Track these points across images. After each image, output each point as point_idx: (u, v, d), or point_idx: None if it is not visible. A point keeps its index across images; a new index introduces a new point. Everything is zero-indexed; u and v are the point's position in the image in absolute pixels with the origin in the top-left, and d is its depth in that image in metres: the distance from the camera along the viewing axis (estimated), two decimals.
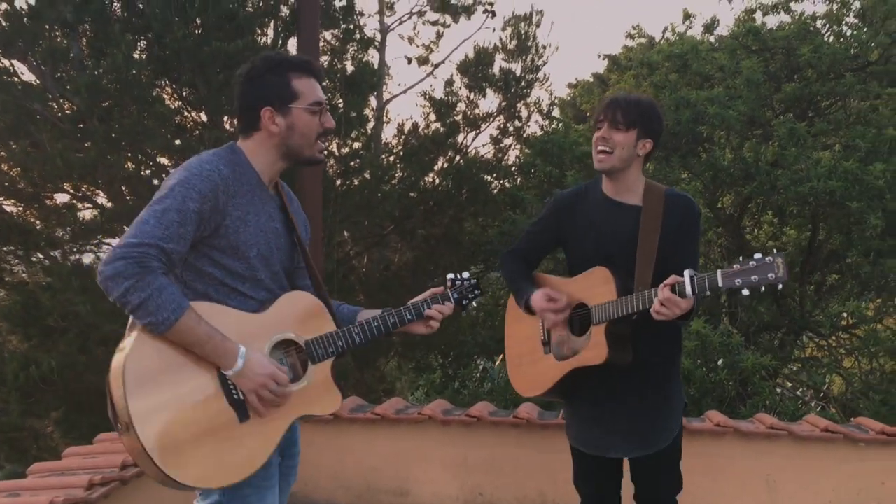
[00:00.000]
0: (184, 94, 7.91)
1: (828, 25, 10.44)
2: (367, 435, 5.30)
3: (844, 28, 10.44)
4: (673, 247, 2.90)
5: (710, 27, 10.90)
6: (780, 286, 2.54)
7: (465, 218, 10.55)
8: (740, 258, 2.63)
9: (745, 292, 2.56)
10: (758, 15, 10.83)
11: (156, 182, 8.70)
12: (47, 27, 7.25)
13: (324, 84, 2.50)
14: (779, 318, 10.34)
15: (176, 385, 2.14)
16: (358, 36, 11.11)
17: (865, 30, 9.53)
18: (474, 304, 2.84)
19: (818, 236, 9.97)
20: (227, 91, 7.31)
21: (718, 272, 2.60)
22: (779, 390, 8.48)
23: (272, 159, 2.38)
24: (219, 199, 2.22)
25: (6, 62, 7.40)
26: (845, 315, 10.18)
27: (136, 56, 7.06)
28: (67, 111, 7.39)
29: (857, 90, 9.69)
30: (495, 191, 10.86)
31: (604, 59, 13.41)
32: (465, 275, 2.83)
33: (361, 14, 11.98)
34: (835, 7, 10.29)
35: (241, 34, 7.11)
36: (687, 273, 2.65)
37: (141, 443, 2.06)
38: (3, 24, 7.43)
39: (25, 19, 7.00)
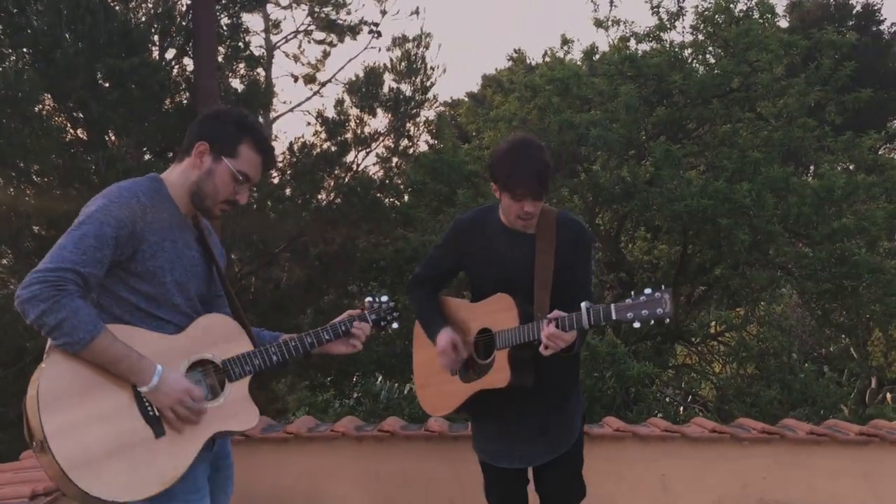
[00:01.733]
0: (73, 111, 7.62)
1: (694, 54, 11.23)
2: (279, 454, 5.26)
3: (709, 57, 11.27)
4: (568, 271, 3.07)
5: (589, 53, 11.49)
6: (668, 320, 2.74)
7: (358, 236, 10.62)
8: (632, 292, 2.83)
9: (636, 325, 2.74)
10: (631, 42, 11.49)
11: (34, 203, 8.35)
12: None
13: (266, 173, 2.61)
14: (653, 328, 10.98)
15: (91, 403, 2.19)
16: (246, 53, 11.01)
17: (727, 59, 10.31)
18: (394, 326, 2.93)
19: (688, 251, 10.67)
20: (121, 109, 7.12)
21: (612, 306, 2.78)
22: (659, 396, 9.03)
23: (185, 193, 2.47)
24: (136, 224, 2.30)
25: None
26: (713, 324, 10.95)
27: (25, 73, 6.75)
28: None
29: (721, 115, 10.48)
30: (387, 209, 10.97)
31: (482, 82, 13.81)
32: (384, 298, 2.94)
33: (247, 31, 11.87)
34: (700, 37, 11.08)
35: (135, 51, 6.96)
36: (583, 306, 2.81)
37: (56, 460, 2.11)
38: None
39: None
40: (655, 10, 11.20)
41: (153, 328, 2.37)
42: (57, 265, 2.16)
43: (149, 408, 2.29)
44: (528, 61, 14.17)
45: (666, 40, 11.22)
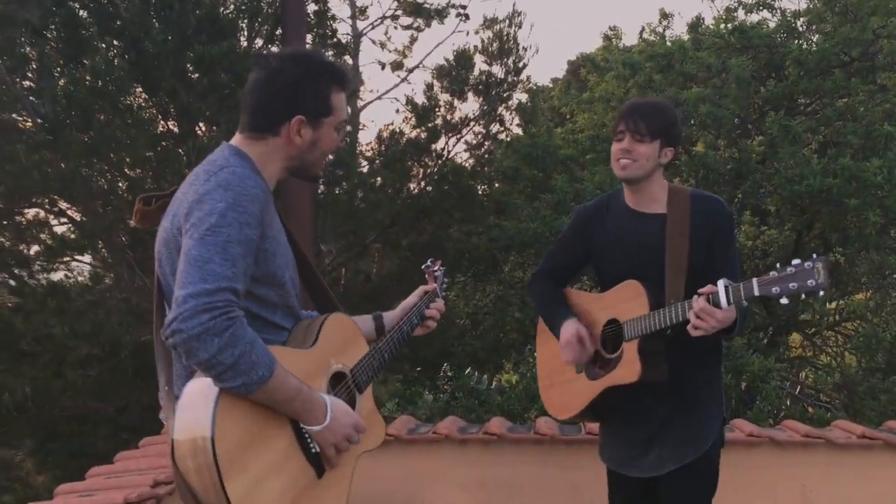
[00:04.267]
0: (164, 101, 7.49)
1: (809, 23, 10.40)
2: (378, 458, 4.98)
3: (825, 26, 10.41)
4: (705, 253, 2.81)
5: (695, 26, 10.78)
6: (821, 292, 2.40)
7: (450, 225, 10.27)
8: (777, 265, 2.51)
9: (784, 301, 2.46)
10: (739, 13, 10.76)
11: (130, 197, 8.32)
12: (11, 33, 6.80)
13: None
14: (768, 318, 10.27)
15: (263, 452, 1.86)
16: (333, 41, 10.79)
17: (848, 27, 9.47)
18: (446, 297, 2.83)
19: (804, 235, 9.90)
20: (211, 98, 6.94)
21: (754, 280, 2.50)
22: (779, 393, 8.34)
23: (278, 168, 2.14)
24: (263, 218, 1.97)
25: None
26: (834, 313, 10.13)
27: (112, 61, 6.65)
28: (40, 121, 6.95)
29: (841, 87, 9.66)
30: (480, 197, 10.58)
31: (582, 62, 13.23)
32: (434, 265, 2.81)
33: (334, 19, 11.64)
34: (816, 4, 10.25)
35: (223, 37, 6.75)
36: (721, 283, 2.54)
37: None
38: None
39: None
40: None
41: (272, 339, 2.03)
42: (216, 285, 1.77)
43: (311, 445, 1.99)
44: (623, 39, 13.52)
45: (777, 9, 10.42)
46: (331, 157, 2.27)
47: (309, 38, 10.65)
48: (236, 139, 2.12)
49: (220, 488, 1.74)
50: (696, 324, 2.57)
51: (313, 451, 2.00)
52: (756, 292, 2.48)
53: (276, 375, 1.84)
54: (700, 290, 2.60)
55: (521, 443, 4.90)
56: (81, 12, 7.04)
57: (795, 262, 2.44)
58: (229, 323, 1.76)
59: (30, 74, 7.09)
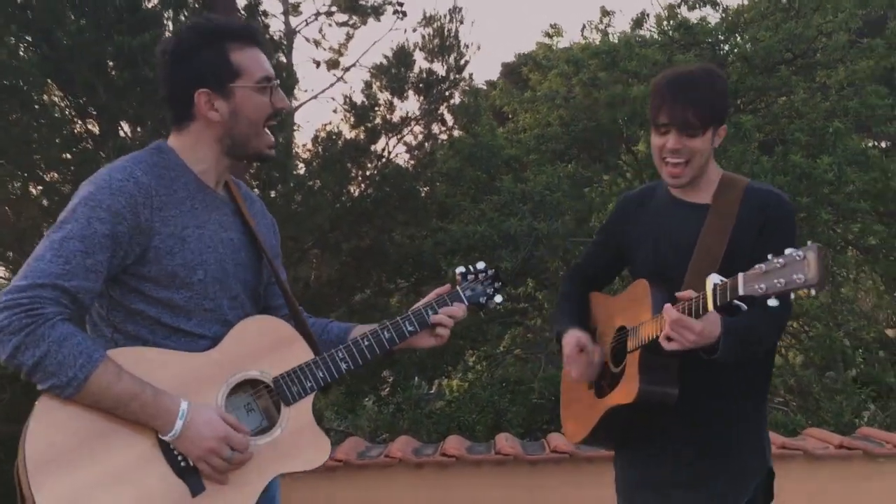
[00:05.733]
0: (80, 100, 6.89)
1: (752, 19, 10.34)
2: (326, 486, 4.64)
3: (767, 22, 10.36)
4: (750, 255, 2.19)
5: (639, 22, 10.63)
6: (814, 291, 1.88)
7: (392, 228, 9.86)
8: (769, 255, 1.95)
9: (773, 303, 1.91)
10: (682, 9, 10.64)
11: (45, 203, 7.69)
12: None
13: (270, 55, 2.02)
14: None
15: (100, 460, 1.75)
16: (266, 37, 10.27)
17: (793, 22, 9.41)
18: (497, 300, 2.28)
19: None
20: (132, 93, 6.38)
21: (740, 276, 1.97)
22: None
23: (214, 155, 1.97)
24: (139, 215, 1.82)
25: None
26: None
27: (21, 54, 6.05)
28: None
29: (784, 84, 9.60)
30: (423, 198, 10.21)
31: (524, 61, 12.97)
32: (480, 265, 2.29)
33: (266, 14, 11.12)
34: (761, 0, 10.19)
35: (145, 27, 6.21)
36: (710, 279, 2.03)
37: None
38: None
39: None
40: None
41: (183, 348, 1.89)
42: (31, 281, 1.71)
43: (179, 457, 1.82)
44: (563, 37, 13.29)
45: (720, 4, 10.34)
46: (272, 123, 1.99)
47: None
48: (170, 136, 2.01)
49: (30, 494, 1.69)
50: (668, 334, 2.08)
51: (183, 464, 1.81)
52: (741, 290, 1.95)
53: (96, 377, 1.72)
54: (678, 294, 2.15)
55: (481, 464, 4.59)
56: None
57: (787, 251, 1.90)
58: (29, 321, 1.67)
59: None
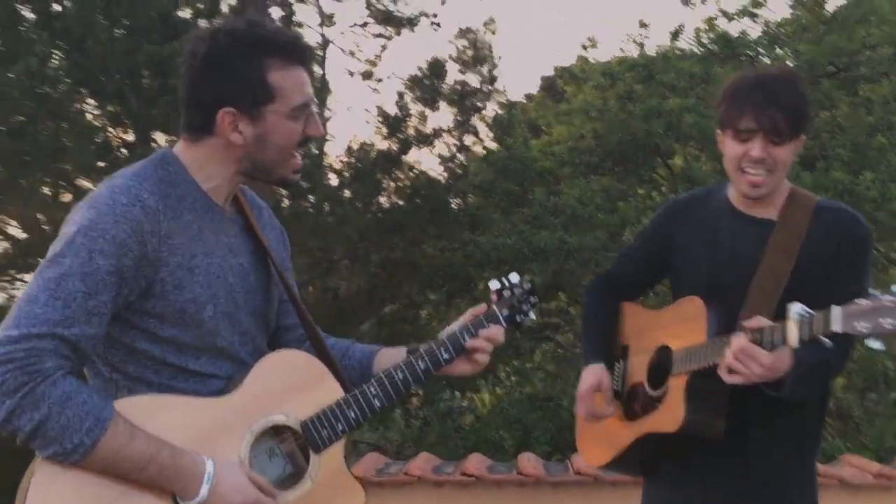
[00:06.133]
0: (109, 108, 6.93)
1: (794, 32, 10.11)
2: None
3: (809, 35, 10.12)
4: (818, 278, 2.10)
5: (676, 34, 10.44)
6: None
7: (423, 241, 9.78)
8: (868, 289, 1.83)
9: (876, 345, 1.76)
10: (720, 21, 10.45)
11: None
12: None
13: (313, 74, 1.80)
14: None
15: None
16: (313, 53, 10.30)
17: (836, 35, 9.17)
18: (531, 317, 2.09)
19: None
20: (162, 102, 6.39)
21: (836, 310, 1.80)
22: None
23: (228, 174, 1.75)
24: (146, 244, 1.59)
25: None
26: None
27: (54, 63, 6.09)
28: None
29: (826, 98, 9.36)
30: (455, 211, 10.13)
31: (560, 74, 12.84)
32: (514, 278, 2.08)
33: (301, 25, 11.15)
34: (800, 13, 9.97)
35: (176, 36, 6.22)
36: (794, 309, 1.87)
37: None
38: None
39: None
40: None
41: (192, 389, 1.68)
42: (26, 331, 1.46)
43: None
44: (599, 48, 13.18)
45: (760, 17, 10.11)
46: (302, 150, 1.78)
47: None
48: (178, 143, 1.77)
49: None
50: (731, 365, 1.94)
51: None
52: (837, 327, 1.77)
53: (105, 441, 1.48)
54: (749, 323, 1.98)
55: (502, 485, 4.48)
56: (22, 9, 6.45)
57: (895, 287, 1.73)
58: (26, 379, 1.43)
59: None
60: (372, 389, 1.81)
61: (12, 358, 1.44)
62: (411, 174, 10.32)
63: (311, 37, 12.76)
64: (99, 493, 1.52)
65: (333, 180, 10.23)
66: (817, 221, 2.14)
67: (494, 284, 2.07)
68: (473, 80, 10.60)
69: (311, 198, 9.38)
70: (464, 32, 10.79)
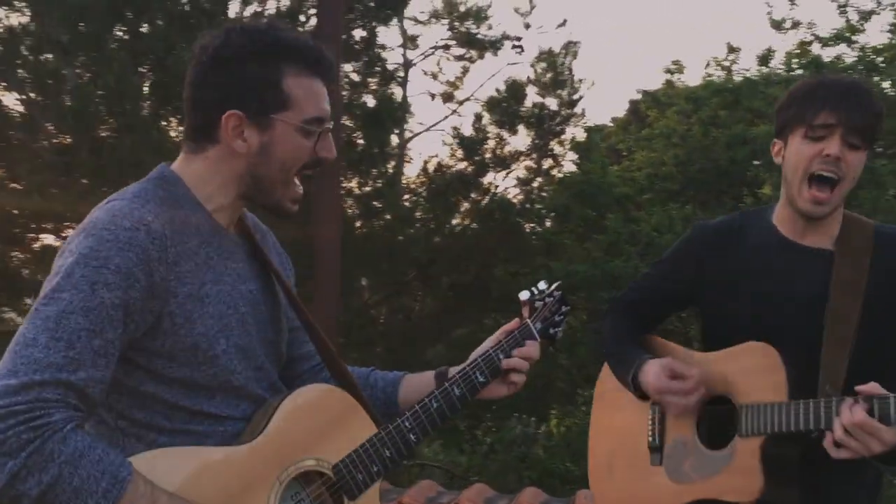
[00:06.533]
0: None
1: (891, 59, 9.61)
2: None
3: None
4: (887, 322, 1.88)
5: (765, 59, 10.08)
6: None
7: (494, 264, 9.66)
8: None
9: None
10: (814, 47, 10.03)
11: None
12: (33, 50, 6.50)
13: (332, 88, 1.60)
14: None
15: None
16: (379, 69, 10.38)
17: None
18: (563, 326, 1.93)
19: None
20: None
21: None
22: None
23: (231, 196, 1.55)
24: (153, 273, 1.40)
25: None
26: None
27: (133, 80, 6.28)
28: (58, 143, 6.61)
29: None
30: (528, 235, 9.99)
31: (642, 96, 12.58)
32: (542, 285, 1.90)
33: (383, 47, 11.27)
34: None
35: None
36: None
37: None
38: None
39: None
40: (843, 8, 9.67)
41: (207, 433, 1.49)
42: (27, 378, 1.27)
43: None
44: (685, 73, 12.83)
45: (856, 42, 9.66)
46: (308, 172, 1.59)
47: (354, 66, 10.30)
48: (178, 157, 1.58)
49: None
50: (842, 441, 1.69)
51: None
52: None
53: (124, 502, 1.28)
54: (859, 388, 1.72)
55: None
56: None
57: None
58: (31, 436, 1.23)
59: (54, 93, 6.76)
60: (407, 423, 1.63)
61: (14, 412, 1.25)
62: (486, 197, 10.25)
63: (393, 58, 12.97)
64: None
65: (409, 201, 10.28)
66: (880, 250, 1.89)
67: (524, 295, 1.87)
68: (553, 103, 10.47)
69: (386, 216, 9.39)
70: (545, 56, 10.67)
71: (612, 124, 14.90)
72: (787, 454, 1.86)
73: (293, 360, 1.76)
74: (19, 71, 6.71)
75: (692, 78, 13.06)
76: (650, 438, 2.12)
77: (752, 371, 1.92)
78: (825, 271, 1.91)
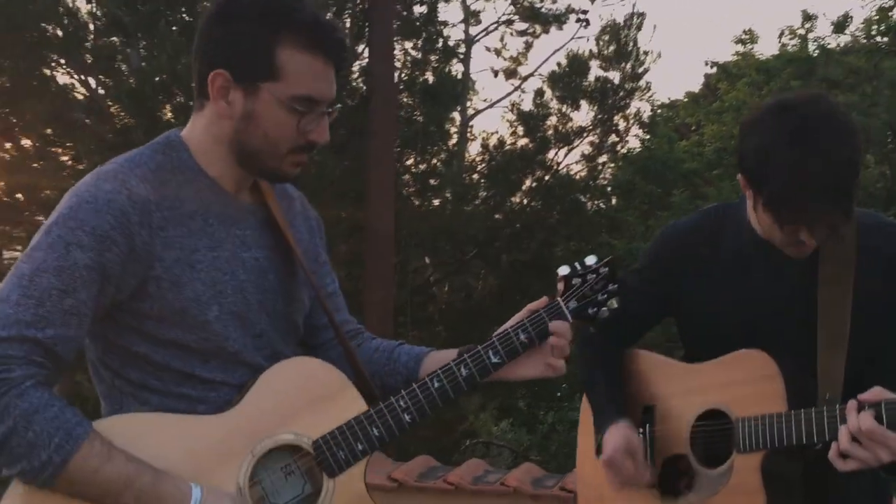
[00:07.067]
0: None
1: None
2: None
3: None
4: (880, 316, 1.74)
5: (841, 26, 9.58)
6: None
7: (555, 242, 9.51)
8: None
9: None
10: (895, 12, 9.48)
11: None
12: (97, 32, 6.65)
13: (341, 74, 1.52)
14: None
15: None
16: (440, 45, 10.28)
17: None
18: (612, 306, 1.68)
19: None
20: None
21: None
22: None
23: (228, 160, 1.51)
24: (134, 237, 1.40)
25: (46, 71, 6.83)
26: None
27: (189, 62, 6.35)
28: (119, 123, 6.75)
29: None
30: (590, 212, 9.80)
31: (712, 66, 12.14)
32: (591, 260, 1.67)
33: (444, 24, 11.16)
34: None
35: None
36: None
37: None
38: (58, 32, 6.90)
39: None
40: None
41: (201, 398, 1.49)
42: None
43: None
44: (758, 43, 12.33)
45: None
46: (300, 155, 1.51)
47: (414, 43, 10.23)
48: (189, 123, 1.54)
49: None
50: (849, 451, 1.59)
51: None
52: None
53: (78, 459, 1.32)
54: (861, 397, 1.61)
55: None
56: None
57: None
58: None
59: (115, 74, 6.92)
60: (402, 402, 1.55)
61: None
62: (547, 174, 10.09)
63: (455, 35, 12.86)
64: None
65: (468, 179, 10.19)
66: (865, 238, 1.72)
67: (563, 270, 1.67)
68: (616, 77, 10.22)
69: (446, 194, 9.34)
70: (609, 28, 10.41)
71: (685, 99, 14.48)
72: (790, 469, 1.73)
73: (314, 328, 1.72)
74: (87, 56, 6.89)
75: (766, 48, 12.55)
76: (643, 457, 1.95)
77: (747, 381, 1.80)
78: (810, 268, 1.74)
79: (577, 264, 1.69)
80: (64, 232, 1.36)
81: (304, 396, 1.53)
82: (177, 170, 1.47)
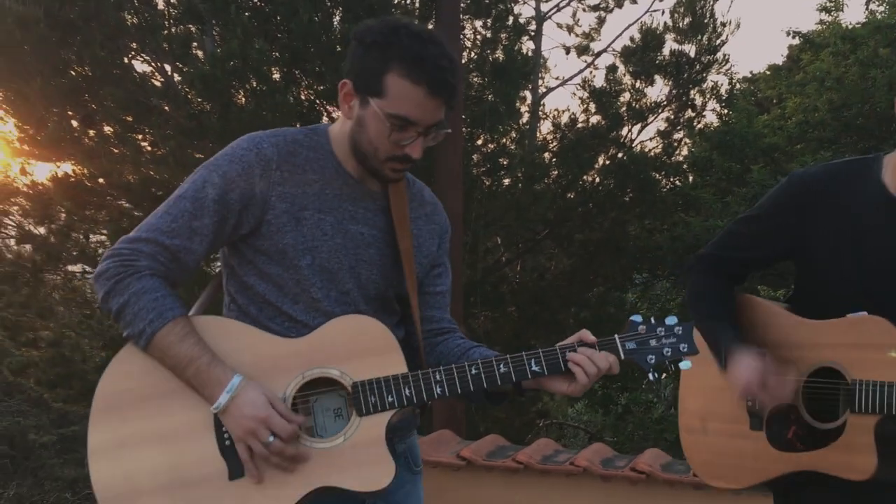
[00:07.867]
0: (316, 86, 7.24)
1: None
2: (505, 486, 4.39)
3: None
4: None
5: None
6: None
7: (628, 221, 9.34)
8: None
9: None
10: None
11: None
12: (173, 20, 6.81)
13: (450, 105, 1.79)
14: None
15: (152, 417, 1.77)
16: (510, 23, 10.15)
17: None
18: (684, 366, 1.78)
19: None
20: None
21: None
22: None
23: (349, 150, 1.87)
24: (255, 184, 1.77)
25: (125, 59, 7.03)
26: None
27: (257, 46, 6.45)
28: (195, 109, 6.92)
29: None
30: (664, 190, 9.56)
31: (794, 37, 11.65)
32: (671, 321, 1.81)
33: (515, 1, 11.02)
34: None
35: (373, 13, 6.35)
36: None
37: (92, 485, 1.74)
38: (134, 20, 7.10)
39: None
40: None
41: (286, 333, 1.81)
42: (138, 234, 1.77)
43: (226, 434, 1.75)
44: (844, 12, 11.77)
45: None
46: (396, 164, 1.80)
47: (484, 22, 10.14)
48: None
49: (88, 432, 1.77)
50: None
51: (228, 443, 1.74)
52: None
53: (162, 334, 1.73)
54: None
55: (675, 485, 4.05)
56: None
57: None
58: (122, 270, 1.73)
59: (190, 60, 7.08)
60: (437, 376, 1.79)
61: (120, 253, 1.74)
62: (620, 152, 9.89)
63: (526, 12, 12.70)
64: (157, 382, 1.75)
65: (539, 157, 10.08)
66: None
67: (635, 318, 1.82)
68: (692, 50, 9.90)
69: (518, 174, 9.25)
70: (682, 0, 10.08)
71: (767, 72, 13.99)
72: None
73: (421, 320, 1.98)
74: (164, 44, 7.08)
75: (853, 16, 11.98)
76: (749, 403, 2.04)
77: (868, 346, 1.84)
78: None
79: (652, 319, 1.84)
80: (205, 172, 1.78)
81: (358, 346, 1.80)
82: (312, 148, 1.83)
